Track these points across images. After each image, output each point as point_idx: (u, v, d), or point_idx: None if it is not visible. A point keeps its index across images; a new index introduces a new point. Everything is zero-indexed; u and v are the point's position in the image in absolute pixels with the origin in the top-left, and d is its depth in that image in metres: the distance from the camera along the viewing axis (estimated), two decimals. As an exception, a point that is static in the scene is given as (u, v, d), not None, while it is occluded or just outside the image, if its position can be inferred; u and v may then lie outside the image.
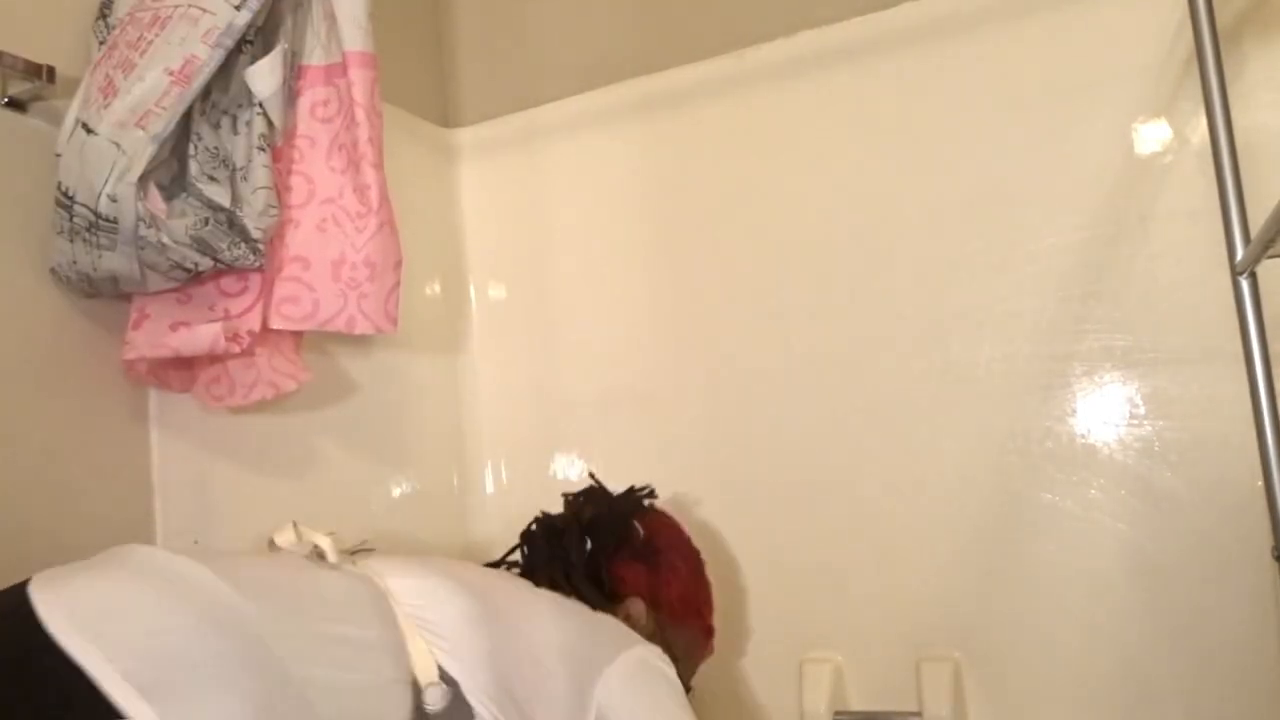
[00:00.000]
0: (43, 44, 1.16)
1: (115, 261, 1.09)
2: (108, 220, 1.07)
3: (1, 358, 1.12)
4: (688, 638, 1.29)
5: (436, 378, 1.77)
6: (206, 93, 1.14)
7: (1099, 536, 1.37)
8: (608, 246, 1.75)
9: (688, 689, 1.13)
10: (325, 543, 1.01)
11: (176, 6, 1.11)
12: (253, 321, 1.20)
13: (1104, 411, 1.38)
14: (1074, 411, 1.40)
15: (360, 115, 1.24)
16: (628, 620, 1.16)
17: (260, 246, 1.16)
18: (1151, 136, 1.38)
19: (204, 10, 1.10)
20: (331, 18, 1.25)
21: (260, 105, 1.18)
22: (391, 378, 1.66)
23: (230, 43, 1.11)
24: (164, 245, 1.08)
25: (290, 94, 1.25)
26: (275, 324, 1.24)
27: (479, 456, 1.82)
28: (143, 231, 1.07)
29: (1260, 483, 1.08)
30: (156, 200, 1.09)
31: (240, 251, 1.14)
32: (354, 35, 1.25)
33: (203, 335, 1.15)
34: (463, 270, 1.86)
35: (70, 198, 1.09)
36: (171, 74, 1.09)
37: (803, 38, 1.60)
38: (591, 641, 1.03)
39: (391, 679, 0.87)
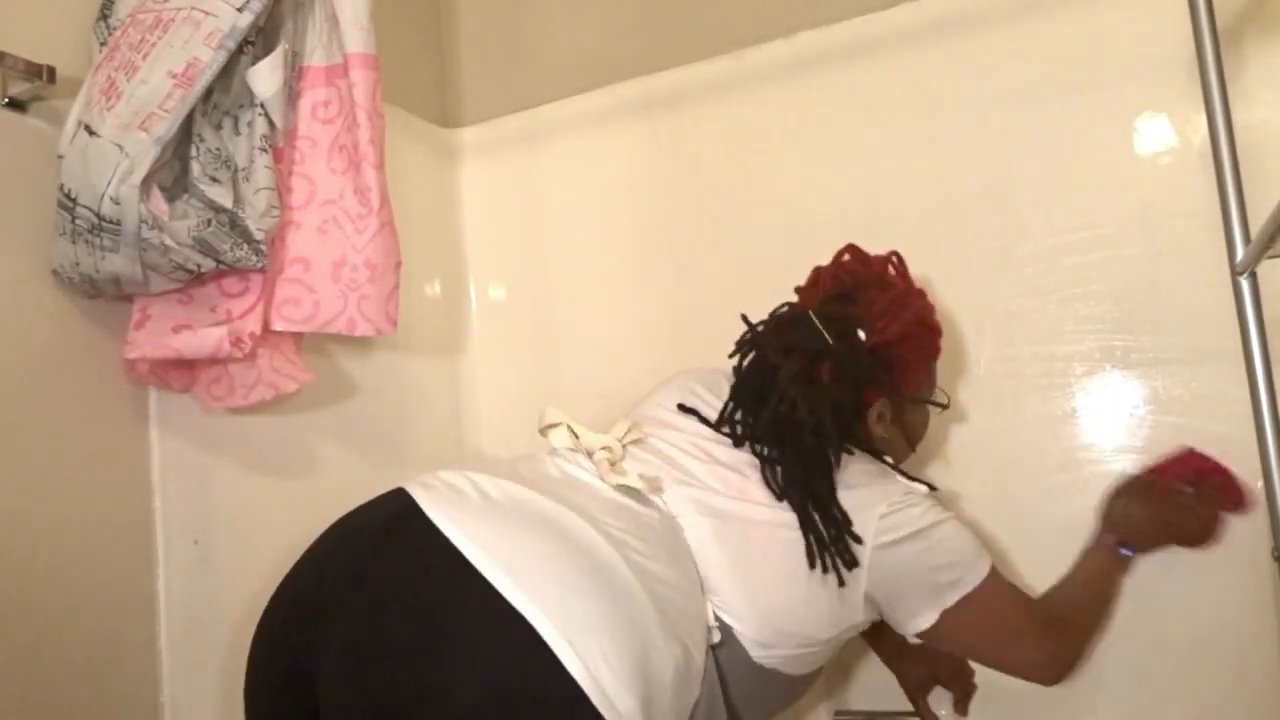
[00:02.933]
0: (43, 44, 1.16)
1: (118, 263, 1.09)
2: (110, 222, 1.07)
3: (2, 358, 1.12)
4: (926, 381, 1.29)
5: (436, 378, 1.77)
6: (208, 93, 1.14)
7: (1099, 536, 1.37)
8: (608, 246, 1.75)
9: (932, 396, 1.28)
10: (604, 455, 1.11)
11: (179, 9, 1.11)
12: (254, 323, 1.20)
13: (1104, 411, 1.38)
14: (1074, 411, 1.40)
15: (362, 117, 1.24)
16: (876, 421, 1.20)
17: (262, 247, 1.16)
18: (1151, 136, 1.38)
19: (206, 13, 1.10)
20: (333, 19, 1.25)
21: (262, 106, 1.18)
22: (391, 378, 1.66)
23: (233, 45, 1.11)
24: (166, 247, 1.08)
25: (291, 95, 1.25)
26: (276, 325, 1.24)
27: (479, 457, 1.82)
28: (145, 233, 1.07)
29: (1260, 483, 1.09)
30: (159, 202, 1.09)
31: (243, 253, 1.14)
32: (355, 37, 1.25)
33: (207, 339, 1.15)
34: (463, 270, 1.86)
35: (73, 200, 1.09)
36: (174, 76, 1.09)
37: (803, 38, 1.60)
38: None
39: (697, 614, 1.01)
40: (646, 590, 0.95)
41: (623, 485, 1.07)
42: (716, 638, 1.03)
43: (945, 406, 1.30)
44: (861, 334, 1.19)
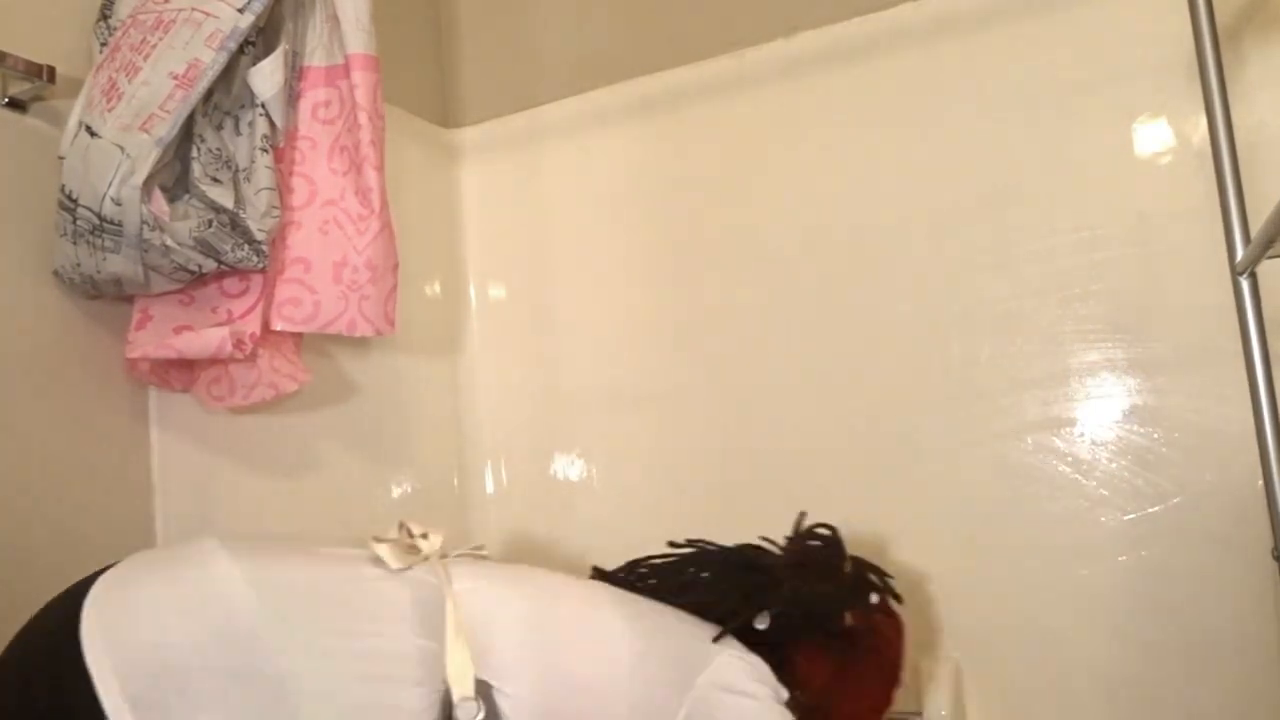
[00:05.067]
0: (43, 44, 1.16)
1: (119, 264, 1.09)
2: (112, 223, 1.07)
3: (3, 358, 1.12)
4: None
5: (436, 378, 1.77)
6: (209, 94, 1.14)
7: (1099, 537, 1.37)
8: (607, 246, 1.75)
9: None
10: (424, 544, 0.96)
11: (180, 10, 1.11)
12: (254, 323, 1.20)
13: (1104, 411, 1.38)
14: (1074, 412, 1.40)
15: (363, 118, 1.24)
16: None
17: (263, 248, 1.16)
18: (1151, 136, 1.38)
19: (207, 14, 1.10)
20: (334, 19, 1.25)
21: (262, 106, 1.18)
22: (391, 378, 1.66)
23: (234, 45, 1.11)
24: (167, 247, 1.08)
25: (292, 95, 1.24)
26: (277, 325, 1.24)
27: (479, 456, 1.82)
28: (146, 234, 1.07)
29: (1260, 483, 1.09)
30: (160, 203, 1.09)
31: (244, 253, 1.14)
32: (356, 37, 1.25)
33: (209, 339, 1.15)
34: (463, 270, 1.86)
35: (74, 200, 1.09)
36: (175, 78, 1.09)
37: (802, 38, 1.60)
38: (671, 663, 0.96)
39: (415, 694, 0.84)
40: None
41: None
42: (469, 716, 0.84)
43: None
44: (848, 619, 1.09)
